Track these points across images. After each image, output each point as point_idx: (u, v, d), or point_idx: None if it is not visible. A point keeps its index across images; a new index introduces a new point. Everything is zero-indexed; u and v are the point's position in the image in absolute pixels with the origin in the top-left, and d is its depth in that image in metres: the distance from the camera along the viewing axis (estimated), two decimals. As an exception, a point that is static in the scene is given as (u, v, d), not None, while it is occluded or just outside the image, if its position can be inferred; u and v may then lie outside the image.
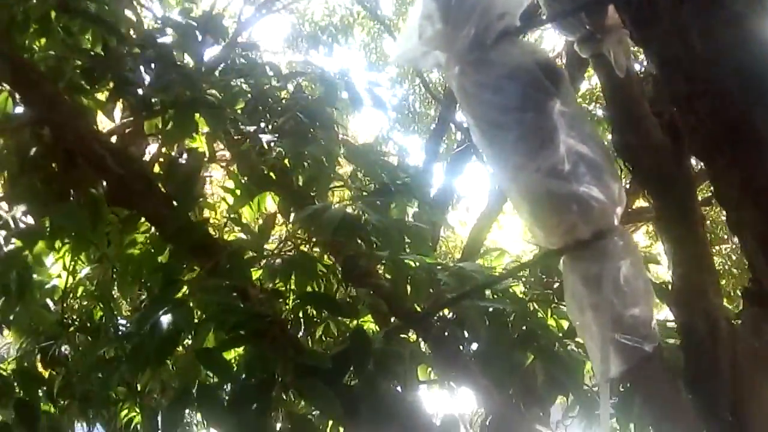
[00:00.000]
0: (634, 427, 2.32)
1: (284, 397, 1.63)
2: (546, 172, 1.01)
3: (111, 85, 2.10)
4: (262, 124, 2.26)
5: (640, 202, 4.77)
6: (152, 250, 2.03)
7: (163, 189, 1.99)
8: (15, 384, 2.08)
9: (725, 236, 6.06)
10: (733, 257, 5.91)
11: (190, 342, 1.91)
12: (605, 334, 1.05)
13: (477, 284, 1.76)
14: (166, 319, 1.51)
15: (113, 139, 2.34)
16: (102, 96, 2.29)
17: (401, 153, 2.63)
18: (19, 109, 2.16)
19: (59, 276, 2.55)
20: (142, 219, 2.25)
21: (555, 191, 1.01)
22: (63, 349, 2.70)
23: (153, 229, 2.26)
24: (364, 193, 2.26)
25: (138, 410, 2.90)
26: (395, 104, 7.03)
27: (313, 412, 1.90)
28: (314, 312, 2.11)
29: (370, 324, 2.41)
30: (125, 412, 2.92)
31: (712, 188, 1.28)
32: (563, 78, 1.06)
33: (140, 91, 2.02)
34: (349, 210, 1.80)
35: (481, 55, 1.03)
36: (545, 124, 1.01)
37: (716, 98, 1.11)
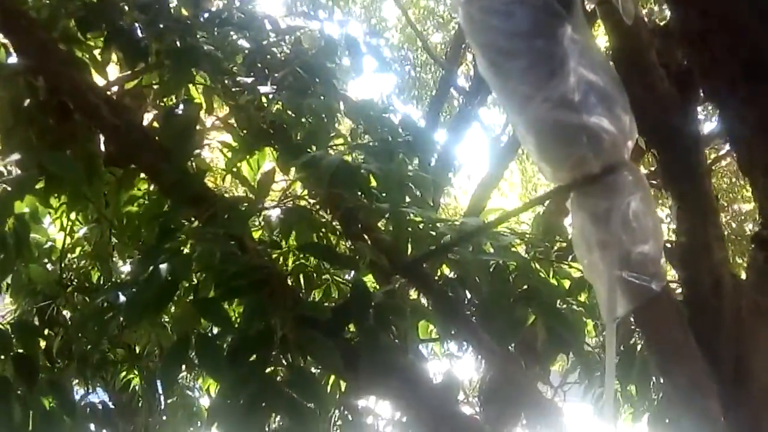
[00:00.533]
0: (635, 388, 2.32)
1: (284, 349, 1.60)
2: (555, 102, 0.97)
3: (105, 35, 2.04)
4: (261, 78, 2.21)
5: (642, 169, 4.76)
6: (149, 205, 2.00)
7: (159, 142, 1.95)
8: (13, 338, 2.07)
9: (725, 204, 6.05)
10: (734, 225, 5.90)
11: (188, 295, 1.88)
12: (613, 272, 1.02)
13: (472, 229, 1.73)
14: (163, 268, 1.49)
15: (110, 92, 2.29)
16: (97, 53, 2.24)
17: (403, 114, 2.57)
18: (13, 60, 2.11)
19: (58, 234, 2.53)
20: (140, 176, 2.23)
21: (564, 122, 0.98)
22: (61, 309, 2.69)
23: (151, 186, 2.24)
24: (366, 150, 2.22)
25: (136, 372, 2.90)
26: (395, 70, 6.95)
27: (314, 366, 1.90)
28: (313, 267, 2.08)
29: (371, 282, 2.40)
30: (123, 373, 2.92)
31: (724, 130, 1.25)
32: (576, 2, 1.02)
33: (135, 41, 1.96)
34: (347, 159, 1.76)
35: (489, -22, 0.99)
36: (556, 52, 0.97)
37: (732, 33, 1.07)
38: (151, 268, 1.49)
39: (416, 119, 5.09)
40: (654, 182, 2.07)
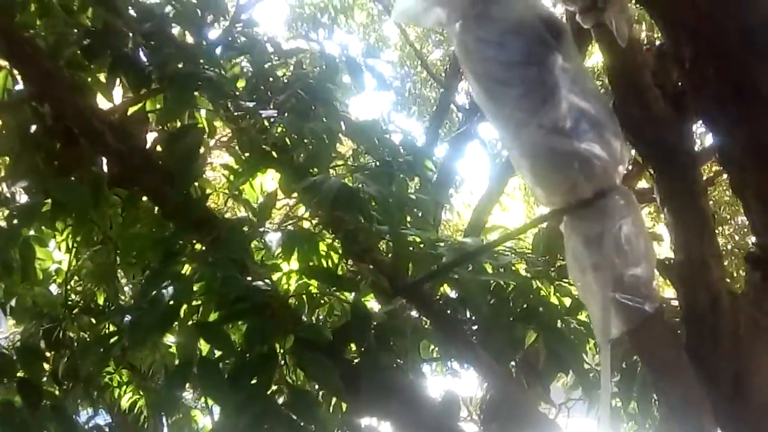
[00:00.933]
0: (637, 405, 2.32)
1: (286, 371, 1.62)
2: (548, 129, 1.00)
3: (109, 62, 2.08)
4: (263, 101, 2.24)
5: (643, 183, 4.78)
6: (153, 229, 2.02)
7: (163, 166, 1.98)
8: (17, 363, 2.08)
9: (728, 216, 6.06)
10: (736, 237, 5.90)
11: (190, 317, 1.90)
12: (606, 294, 1.04)
13: (471, 250, 1.74)
14: (165, 292, 1.51)
15: (113, 118, 2.33)
16: (102, 77, 2.28)
17: (404, 133, 2.60)
18: (19, 87, 2.15)
19: (61, 261, 2.55)
20: (143, 199, 2.25)
21: (557, 148, 1.00)
22: (67, 332, 2.71)
23: (156, 209, 2.26)
24: (366, 172, 2.25)
25: (141, 393, 2.91)
26: (396, 87, 7.00)
27: (315, 388, 1.91)
28: (315, 289, 2.09)
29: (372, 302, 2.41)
30: (129, 395, 2.93)
31: (716, 152, 1.27)
32: (566, 33, 1.05)
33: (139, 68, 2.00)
34: (348, 182, 1.78)
35: (483, 10, 1.02)
36: (548, 80, 0.99)
37: (721, 56, 1.10)
38: (154, 291, 1.51)
39: (416, 136, 5.13)
40: (653, 197, 2.09)
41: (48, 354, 2.57)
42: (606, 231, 1.03)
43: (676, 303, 1.94)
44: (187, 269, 1.68)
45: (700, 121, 1.65)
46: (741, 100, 1.11)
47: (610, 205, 1.03)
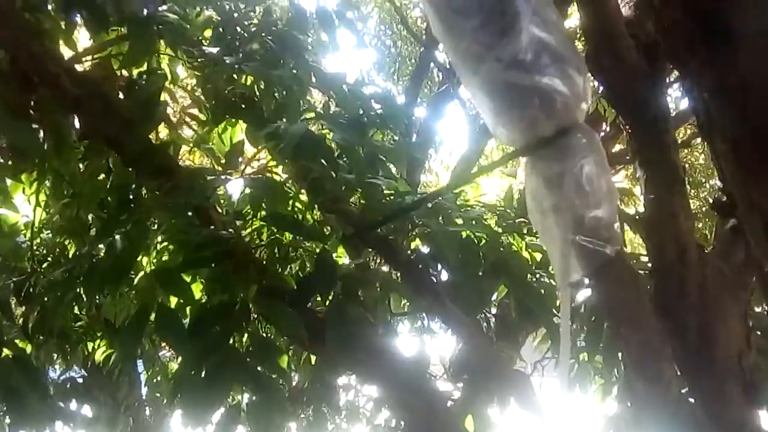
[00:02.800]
0: (602, 359, 2.33)
1: (247, 320, 1.59)
2: (507, 62, 0.95)
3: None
4: (230, 50, 2.17)
5: (620, 146, 4.77)
6: (114, 177, 1.96)
7: (123, 112, 1.91)
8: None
9: (702, 180, 6.08)
10: (710, 200, 5.93)
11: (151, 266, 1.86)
12: (566, 236, 1.01)
13: (432, 192, 1.71)
14: (119, 239, 1.46)
15: (78, 67, 2.25)
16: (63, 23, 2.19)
17: (376, 87, 2.55)
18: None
19: (33, 211, 2.49)
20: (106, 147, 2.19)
21: (516, 83, 0.96)
22: (37, 286, 2.66)
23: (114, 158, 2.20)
24: (336, 121, 2.20)
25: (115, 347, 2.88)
26: (374, 45, 6.88)
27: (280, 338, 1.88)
28: (287, 240, 2.06)
29: (343, 257, 2.38)
30: (103, 349, 2.91)
31: (684, 94, 1.24)
32: (528, -43, 1.00)
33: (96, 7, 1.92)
34: (313, 130, 1.74)
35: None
36: (507, 9, 0.95)
37: (689, -5, 1.06)
38: (110, 238, 1.47)
39: (396, 95, 5.06)
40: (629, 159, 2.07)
41: (19, 308, 2.54)
42: (567, 171, 0.99)
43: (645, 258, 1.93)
44: (147, 218, 1.64)
45: (671, 66, 1.62)
46: (709, 41, 1.08)
47: (571, 143, 1.00)
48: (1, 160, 2.06)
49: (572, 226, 1.02)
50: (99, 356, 2.97)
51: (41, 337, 2.52)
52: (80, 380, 3.07)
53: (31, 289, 2.62)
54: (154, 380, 3.11)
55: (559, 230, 1.04)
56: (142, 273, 1.88)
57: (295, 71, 2.17)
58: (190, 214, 1.56)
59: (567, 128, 0.99)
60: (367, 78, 6.75)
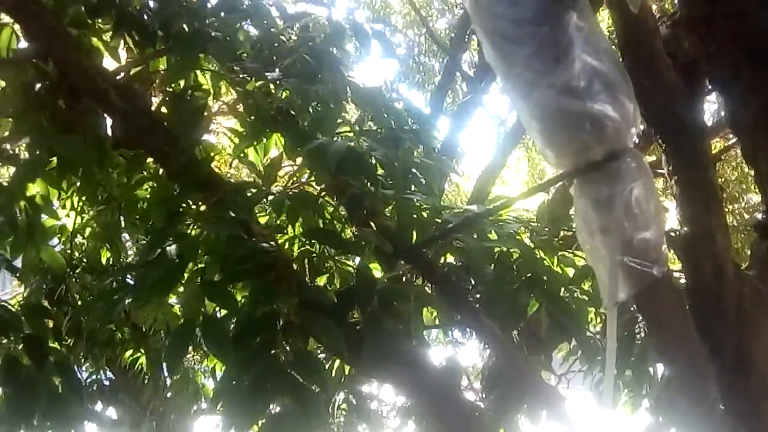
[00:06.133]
0: (632, 372, 2.34)
1: (289, 332, 1.63)
2: (559, 89, 0.98)
3: (114, 20, 2.06)
4: (268, 65, 2.22)
5: (650, 158, 4.75)
6: (157, 189, 2.02)
7: (167, 127, 1.97)
8: (23, 320, 2.10)
9: (737, 194, 6.03)
10: (746, 216, 5.88)
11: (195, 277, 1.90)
12: (614, 257, 1.04)
13: (474, 215, 1.74)
14: (170, 250, 1.51)
15: (119, 78, 2.31)
16: (107, 36, 2.26)
17: (407, 102, 2.58)
18: (23, 45, 2.13)
19: (67, 216, 2.56)
20: (148, 160, 2.24)
21: (568, 109, 0.99)
22: (70, 290, 2.73)
23: (158, 170, 2.26)
24: (372, 137, 2.23)
25: (143, 351, 2.94)
26: (400, 55, 6.92)
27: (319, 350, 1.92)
28: (318, 253, 2.09)
29: (377, 269, 2.41)
30: (130, 352, 2.96)
31: (727, 118, 1.26)
32: (580, -11, 1.03)
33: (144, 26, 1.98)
34: (353, 146, 1.77)
35: (495, -35, 1.00)
36: (561, 38, 0.98)
37: (736, 20, 1.08)
38: (159, 250, 1.51)
39: (420, 105, 5.10)
40: (661, 171, 2.08)
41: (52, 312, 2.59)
42: (616, 194, 1.02)
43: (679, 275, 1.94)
44: (191, 230, 1.68)
45: (711, 90, 1.63)
46: (755, 66, 1.10)
47: (621, 167, 1.02)
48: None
49: (620, 248, 1.04)
50: (126, 358, 3.03)
51: (71, 341, 2.58)
52: (107, 383, 3.13)
53: (63, 293, 2.69)
54: (184, 388, 3.16)
55: (607, 251, 1.06)
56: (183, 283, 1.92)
57: (331, 86, 2.21)
58: (238, 227, 1.60)
59: (617, 152, 1.02)
60: (392, 87, 6.82)
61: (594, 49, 1.00)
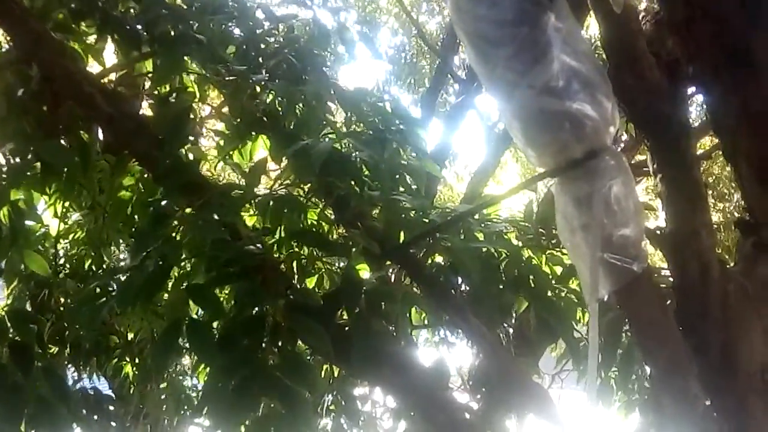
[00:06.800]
0: (619, 370, 2.34)
1: (275, 334, 1.62)
2: (539, 89, 0.99)
3: (98, 23, 2.05)
4: (254, 67, 2.21)
5: (641, 156, 4.77)
6: (143, 191, 2.01)
7: (153, 130, 1.96)
8: (9, 326, 2.08)
9: (726, 192, 6.06)
10: (736, 214, 5.91)
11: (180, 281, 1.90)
12: (595, 254, 1.04)
13: (458, 213, 1.74)
14: (154, 254, 1.50)
15: (104, 81, 2.30)
16: (91, 40, 2.25)
17: (396, 102, 2.59)
18: (5, 49, 2.12)
19: (54, 218, 2.54)
20: (133, 163, 2.23)
21: (548, 108, 1.00)
22: (54, 296, 2.70)
23: (145, 174, 2.25)
24: (357, 138, 2.23)
25: (128, 359, 2.93)
26: (391, 56, 6.94)
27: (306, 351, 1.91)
28: (306, 254, 2.09)
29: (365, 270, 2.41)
30: (115, 360, 2.95)
31: (709, 118, 1.26)
32: (558, -9, 1.03)
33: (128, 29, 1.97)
34: (339, 147, 1.77)
35: (476, -32, 1.00)
36: (539, 39, 0.98)
37: (715, 22, 1.09)
38: (144, 253, 1.51)
39: (412, 106, 5.09)
40: (647, 169, 2.08)
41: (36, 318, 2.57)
42: (595, 191, 1.02)
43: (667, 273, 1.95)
44: (176, 233, 1.67)
45: (694, 89, 1.64)
46: (735, 66, 1.11)
47: (600, 165, 1.03)
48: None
49: (600, 244, 1.05)
50: (111, 366, 3.02)
51: (54, 348, 2.56)
52: (91, 391, 3.11)
53: (45, 298, 2.67)
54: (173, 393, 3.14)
55: (588, 248, 1.06)
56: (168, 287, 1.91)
57: (315, 88, 2.21)
58: (224, 230, 1.60)
59: (596, 151, 1.02)
60: (383, 88, 6.83)
61: (572, 50, 1.00)
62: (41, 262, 2.56)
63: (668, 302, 1.66)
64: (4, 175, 1.95)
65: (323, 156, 1.63)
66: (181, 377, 3.19)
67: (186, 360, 3.16)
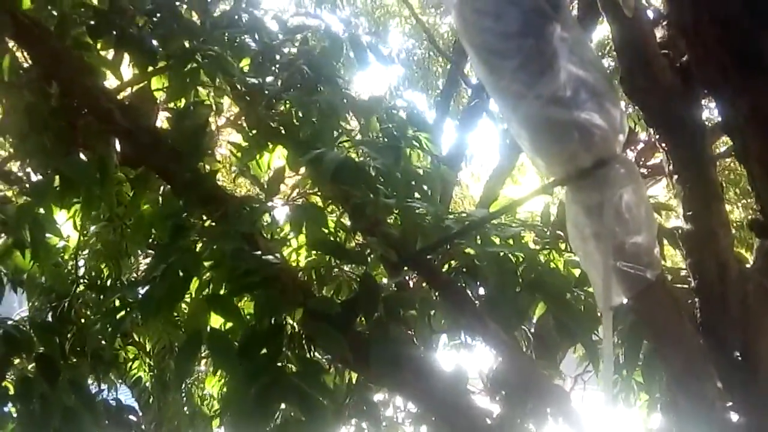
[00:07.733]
0: (641, 373, 2.33)
1: (294, 342, 1.65)
2: (546, 99, 1.00)
3: (114, 40, 2.09)
4: (269, 78, 2.24)
5: (658, 158, 4.74)
6: (162, 205, 2.04)
7: (171, 143, 1.99)
8: (34, 338, 2.13)
9: (749, 189, 5.97)
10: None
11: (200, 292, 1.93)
12: (607, 262, 1.05)
13: (475, 220, 1.75)
14: (175, 265, 1.53)
15: (121, 96, 2.34)
16: (109, 55, 2.29)
17: (410, 108, 2.61)
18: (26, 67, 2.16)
19: (69, 236, 2.58)
20: (152, 177, 2.27)
21: (556, 118, 1.00)
22: (74, 307, 2.74)
23: (163, 187, 2.28)
24: (372, 146, 2.25)
25: (146, 369, 2.97)
26: (402, 60, 6.93)
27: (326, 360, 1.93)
28: (324, 264, 2.11)
29: (382, 277, 2.43)
30: (134, 371, 2.99)
31: (720, 120, 1.26)
32: (563, 2, 1.04)
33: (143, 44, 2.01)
34: (353, 156, 1.79)
35: (480, -19, 1.01)
36: (546, 50, 0.99)
37: (722, 24, 1.09)
38: (164, 265, 1.54)
39: (425, 111, 5.10)
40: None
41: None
42: (606, 200, 1.03)
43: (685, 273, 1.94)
44: (196, 245, 1.70)
45: (704, 91, 1.64)
46: (744, 69, 1.10)
47: (610, 174, 1.03)
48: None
49: (613, 253, 1.05)
50: (129, 378, 3.06)
51: (74, 359, 2.60)
52: (113, 402, 3.15)
53: (65, 310, 2.70)
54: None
55: (600, 256, 1.07)
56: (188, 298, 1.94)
57: (329, 97, 2.23)
58: (243, 240, 1.62)
59: (605, 160, 1.03)
60: (396, 93, 6.84)
61: (579, 59, 1.01)
62: (61, 275, 2.61)
63: (688, 301, 1.66)
64: (24, 191, 2.00)
65: (335, 164, 1.65)
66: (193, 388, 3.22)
67: (201, 367, 3.19)
